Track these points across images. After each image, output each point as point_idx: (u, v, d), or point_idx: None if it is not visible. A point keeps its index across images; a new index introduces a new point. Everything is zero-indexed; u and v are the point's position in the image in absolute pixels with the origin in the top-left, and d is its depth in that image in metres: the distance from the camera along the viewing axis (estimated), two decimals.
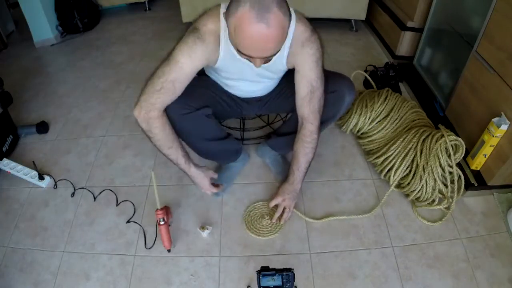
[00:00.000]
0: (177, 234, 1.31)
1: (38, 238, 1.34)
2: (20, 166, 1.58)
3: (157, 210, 1.18)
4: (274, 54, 0.94)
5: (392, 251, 1.23)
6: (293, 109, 1.23)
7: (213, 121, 1.27)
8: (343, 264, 1.20)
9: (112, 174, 1.56)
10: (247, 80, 1.20)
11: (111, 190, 1.48)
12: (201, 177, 1.28)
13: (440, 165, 1.28)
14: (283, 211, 1.31)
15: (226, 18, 0.90)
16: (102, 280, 1.20)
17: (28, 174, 1.54)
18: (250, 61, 0.95)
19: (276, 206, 1.32)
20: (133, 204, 1.43)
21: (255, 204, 1.39)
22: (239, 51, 0.93)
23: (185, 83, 1.07)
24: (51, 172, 1.59)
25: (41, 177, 1.52)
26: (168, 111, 1.12)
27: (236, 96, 1.32)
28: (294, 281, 0.98)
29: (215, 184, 1.36)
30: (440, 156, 1.28)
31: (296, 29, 1.05)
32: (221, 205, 1.40)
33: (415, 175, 1.32)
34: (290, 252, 1.24)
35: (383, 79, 1.89)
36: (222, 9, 0.99)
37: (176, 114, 1.14)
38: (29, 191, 1.52)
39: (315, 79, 1.12)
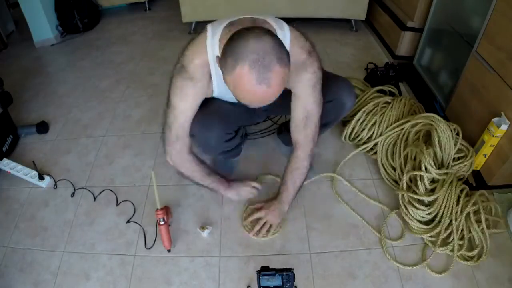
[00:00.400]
0: (177, 234, 1.31)
1: (38, 238, 1.34)
2: (20, 166, 1.58)
3: (157, 210, 1.18)
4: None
5: (392, 251, 1.23)
6: None
7: (243, 136, 1.34)
8: (343, 264, 1.20)
9: (112, 174, 1.56)
10: None
11: (111, 190, 1.48)
12: (240, 186, 1.31)
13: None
14: (263, 226, 1.27)
15: (222, 71, 0.84)
16: (102, 280, 1.20)
17: (28, 174, 1.54)
18: None
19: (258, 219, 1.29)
20: (133, 204, 1.43)
21: (245, 208, 1.38)
22: (239, 101, 0.89)
23: (185, 125, 1.07)
24: (51, 172, 1.59)
25: (41, 177, 1.52)
26: (209, 139, 1.16)
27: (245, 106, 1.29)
28: (294, 281, 0.98)
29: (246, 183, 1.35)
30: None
31: (292, 53, 0.94)
32: (221, 205, 1.40)
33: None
34: (290, 252, 1.24)
35: (383, 79, 1.89)
36: (209, 38, 0.94)
37: (220, 141, 1.19)
38: (29, 191, 1.52)
39: (311, 104, 1.07)
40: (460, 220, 1.21)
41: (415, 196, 1.26)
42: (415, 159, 1.37)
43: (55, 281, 1.21)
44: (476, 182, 1.42)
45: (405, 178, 1.32)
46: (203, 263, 1.23)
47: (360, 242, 1.26)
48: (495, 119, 1.27)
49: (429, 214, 1.25)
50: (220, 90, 1.05)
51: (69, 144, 1.74)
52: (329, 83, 1.15)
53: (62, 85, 2.18)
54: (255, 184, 1.33)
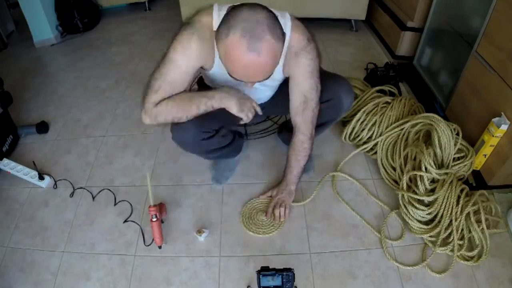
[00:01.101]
0: (177, 234, 1.31)
1: (38, 238, 1.34)
2: (20, 166, 1.58)
3: (149, 206, 1.19)
4: (267, 78, 0.91)
5: (392, 251, 1.23)
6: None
7: (226, 136, 1.23)
8: (343, 264, 1.20)
9: (112, 174, 1.56)
10: (245, 90, 1.13)
11: (111, 190, 1.48)
12: (233, 89, 1.07)
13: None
14: (280, 207, 1.31)
15: (216, 41, 0.86)
16: (102, 280, 1.20)
17: (28, 174, 1.54)
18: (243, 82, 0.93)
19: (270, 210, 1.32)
20: (131, 204, 1.42)
21: (250, 202, 1.39)
22: (230, 74, 0.90)
23: (183, 83, 1.02)
24: (51, 172, 1.59)
25: (41, 177, 1.52)
26: (185, 138, 1.10)
27: None
28: (294, 281, 0.98)
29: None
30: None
31: (291, 38, 1.01)
32: (221, 205, 1.40)
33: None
34: (290, 252, 1.24)
35: (383, 79, 1.89)
36: (215, 13, 0.96)
37: (196, 140, 1.11)
38: (29, 191, 1.52)
39: (309, 90, 1.10)
40: (460, 220, 1.21)
41: (415, 196, 1.26)
42: (415, 159, 1.37)
43: (55, 281, 1.21)
44: (476, 182, 1.42)
45: (405, 178, 1.32)
46: (203, 263, 1.23)
47: (360, 242, 1.26)
48: (495, 119, 1.27)
49: (429, 214, 1.25)
50: (219, 69, 1.02)
51: (69, 144, 1.74)
52: (327, 82, 1.17)
53: (62, 85, 2.18)
54: (255, 104, 1.12)
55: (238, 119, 1.10)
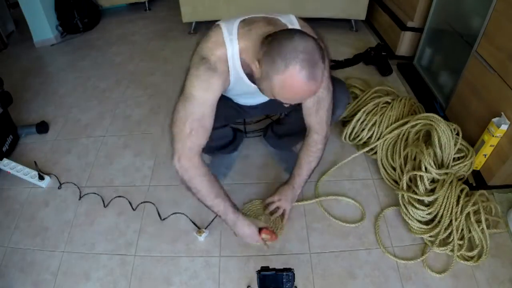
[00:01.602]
0: (177, 234, 1.31)
1: (38, 238, 1.34)
2: (20, 166, 1.58)
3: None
4: None
5: (392, 251, 1.23)
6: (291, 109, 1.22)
7: (227, 132, 1.25)
8: (343, 264, 1.20)
9: (112, 174, 1.56)
10: (251, 95, 1.16)
11: (124, 197, 1.48)
12: (251, 226, 1.13)
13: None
14: (277, 212, 1.28)
15: (268, 71, 0.84)
16: (102, 280, 1.20)
17: (28, 174, 1.54)
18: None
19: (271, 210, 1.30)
20: (130, 202, 1.43)
21: (251, 202, 1.39)
22: (276, 98, 0.89)
23: (211, 116, 1.00)
24: (51, 172, 1.59)
25: (41, 177, 1.52)
26: None
27: (239, 104, 1.28)
28: (294, 281, 0.98)
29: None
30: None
31: None
32: None
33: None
34: (290, 252, 1.24)
35: (376, 58, 2.11)
36: (226, 34, 0.94)
37: None
38: (29, 191, 1.52)
39: (321, 90, 1.08)
40: (460, 220, 1.21)
41: (415, 196, 1.26)
42: (415, 159, 1.37)
43: (55, 281, 1.21)
44: (476, 182, 1.42)
45: (405, 178, 1.32)
46: (203, 263, 1.23)
47: (360, 242, 1.26)
48: (495, 119, 1.27)
49: (429, 214, 1.25)
50: (233, 85, 1.04)
51: (69, 144, 1.74)
52: None
53: (62, 85, 2.18)
54: (263, 237, 1.16)
55: (247, 113, 1.17)
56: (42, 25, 2.58)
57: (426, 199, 1.25)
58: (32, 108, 2.01)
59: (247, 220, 1.13)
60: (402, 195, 1.31)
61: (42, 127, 1.81)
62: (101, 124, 1.85)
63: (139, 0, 3.03)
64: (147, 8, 3.07)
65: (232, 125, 1.41)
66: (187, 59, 1.02)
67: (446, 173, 1.29)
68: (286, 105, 0.93)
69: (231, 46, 0.94)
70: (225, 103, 1.12)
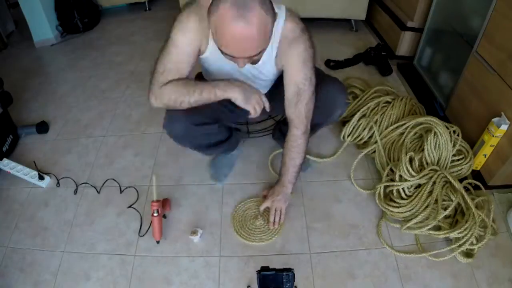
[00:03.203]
0: (177, 234, 1.31)
1: (38, 238, 1.34)
2: (20, 166, 1.58)
3: (152, 201, 1.20)
4: (257, 54, 0.91)
5: (392, 251, 1.23)
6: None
7: (214, 129, 1.23)
8: (343, 264, 1.20)
9: (112, 174, 1.56)
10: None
11: (116, 180, 1.50)
12: (244, 83, 1.06)
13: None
14: (275, 214, 1.28)
15: (208, 17, 0.87)
16: (102, 280, 1.20)
17: (28, 174, 1.54)
18: (234, 62, 0.92)
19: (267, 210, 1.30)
20: (137, 190, 1.43)
21: (244, 202, 1.39)
22: (222, 51, 0.90)
23: (187, 64, 1.02)
24: (51, 172, 1.59)
25: (41, 177, 1.52)
26: (176, 125, 1.11)
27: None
28: (294, 281, 0.98)
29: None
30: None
31: (284, 27, 1.01)
32: (221, 205, 1.40)
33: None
34: (290, 252, 1.24)
35: (376, 58, 2.12)
36: None
37: (186, 125, 1.12)
38: (29, 191, 1.52)
39: (302, 81, 1.07)
40: (459, 220, 1.21)
41: (393, 206, 1.30)
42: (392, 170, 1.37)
43: (55, 281, 1.21)
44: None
45: (381, 186, 1.36)
46: (203, 263, 1.23)
47: (360, 242, 1.26)
48: (495, 119, 1.27)
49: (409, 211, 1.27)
50: (212, 53, 1.03)
51: (69, 144, 1.74)
52: (321, 85, 1.14)
53: (62, 85, 2.18)
54: (264, 98, 1.09)
55: (242, 114, 1.08)
56: (42, 25, 2.58)
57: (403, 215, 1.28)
58: (32, 108, 2.01)
59: (238, 81, 1.07)
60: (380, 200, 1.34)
61: (42, 127, 1.81)
62: (101, 124, 1.85)
63: (139, 0, 3.03)
64: (147, 8, 3.07)
65: (228, 125, 1.38)
66: None
67: (431, 175, 1.29)
68: (239, 63, 0.91)
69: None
70: (217, 103, 1.09)
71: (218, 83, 1.04)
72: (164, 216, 1.32)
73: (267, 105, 1.09)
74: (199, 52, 1.05)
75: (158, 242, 1.26)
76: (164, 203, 1.27)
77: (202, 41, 1.02)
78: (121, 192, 1.47)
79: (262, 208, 1.30)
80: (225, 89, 1.03)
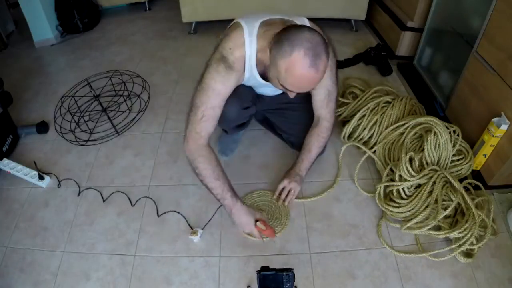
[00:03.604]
0: (177, 234, 1.31)
1: (38, 238, 1.34)
2: (20, 166, 1.58)
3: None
4: None
5: (392, 251, 1.23)
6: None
7: (252, 111, 1.42)
8: (343, 264, 1.20)
9: (112, 174, 1.56)
10: (261, 86, 1.32)
11: (122, 192, 1.48)
12: (248, 215, 1.22)
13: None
14: (288, 194, 1.35)
15: (275, 55, 0.96)
16: (102, 280, 1.20)
17: (28, 174, 1.54)
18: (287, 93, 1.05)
19: (280, 193, 1.37)
20: (130, 200, 1.43)
21: (252, 193, 1.41)
22: (281, 85, 1.01)
23: (221, 107, 1.14)
24: (51, 172, 1.59)
25: (41, 177, 1.52)
26: (231, 109, 1.22)
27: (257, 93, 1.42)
28: (294, 281, 0.98)
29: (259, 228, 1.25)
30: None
31: None
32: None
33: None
34: (290, 252, 1.24)
35: (376, 58, 2.13)
36: (247, 35, 1.06)
37: (238, 113, 1.31)
38: (29, 191, 1.52)
39: (331, 85, 1.24)
40: (458, 220, 1.21)
41: (392, 206, 1.30)
42: (392, 170, 1.37)
43: (55, 281, 1.21)
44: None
45: (380, 187, 1.36)
46: (203, 263, 1.23)
47: (360, 242, 1.26)
48: (495, 119, 1.27)
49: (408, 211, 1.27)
50: (246, 81, 1.19)
51: (69, 144, 1.74)
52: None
53: (62, 85, 2.18)
54: (259, 228, 1.23)
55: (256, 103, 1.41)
56: (42, 25, 2.58)
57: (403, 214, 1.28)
58: (32, 108, 2.00)
59: (245, 208, 1.22)
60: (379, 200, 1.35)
61: (42, 127, 1.81)
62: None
63: (139, 0, 3.03)
64: (147, 8, 3.07)
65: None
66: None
67: (431, 176, 1.29)
68: (291, 95, 1.05)
69: (249, 48, 1.07)
70: (250, 88, 1.34)
71: (236, 204, 1.20)
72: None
73: (257, 235, 1.24)
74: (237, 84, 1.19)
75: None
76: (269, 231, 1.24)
77: (239, 82, 1.16)
78: (132, 205, 1.43)
79: (280, 186, 1.35)
80: (232, 209, 1.21)
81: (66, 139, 1.75)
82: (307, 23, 1.14)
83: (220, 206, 1.31)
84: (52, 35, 2.64)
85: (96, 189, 1.49)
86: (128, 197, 1.45)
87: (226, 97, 1.13)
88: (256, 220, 1.23)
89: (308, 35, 0.93)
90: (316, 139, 1.35)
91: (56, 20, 2.68)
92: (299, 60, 0.92)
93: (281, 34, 0.96)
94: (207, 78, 1.10)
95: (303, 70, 0.93)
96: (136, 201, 1.44)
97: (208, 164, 1.15)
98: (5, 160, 1.60)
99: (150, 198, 1.44)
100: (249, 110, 1.38)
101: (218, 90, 1.10)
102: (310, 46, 0.91)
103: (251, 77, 1.15)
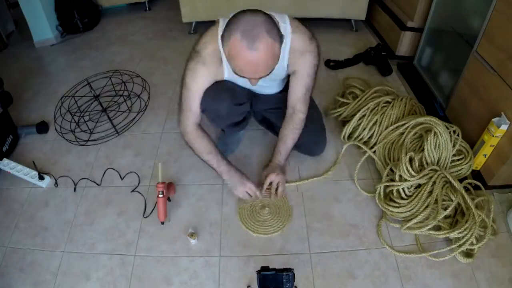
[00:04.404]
0: (177, 234, 1.31)
1: (38, 238, 1.34)
2: (20, 166, 1.58)
3: (157, 183, 1.25)
4: (268, 74, 1.01)
5: (392, 251, 1.23)
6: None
7: (247, 108, 1.44)
8: (343, 264, 1.20)
9: (112, 174, 1.56)
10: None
11: (114, 169, 1.52)
12: (242, 178, 1.33)
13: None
14: (278, 188, 1.38)
15: (222, 45, 0.99)
16: (102, 280, 1.20)
17: (28, 174, 1.54)
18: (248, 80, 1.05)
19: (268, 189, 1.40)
20: (138, 176, 1.43)
21: (245, 201, 1.40)
22: (237, 74, 1.01)
23: (197, 101, 1.22)
24: (51, 172, 1.59)
25: (41, 177, 1.52)
26: (222, 105, 1.27)
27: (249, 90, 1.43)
28: (294, 281, 0.98)
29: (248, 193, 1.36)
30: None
31: (292, 40, 1.13)
32: (221, 205, 1.40)
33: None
34: (290, 252, 1.24)
35: (376, 58, 2.13)
36: (220, 29, 1.06)
37: (230, 110, 1.32)
38: (29, 191, 1.52)
39: (310, 81, 1.25)
40: (458, 220, 1.21)
41: (392, 206, 1.30)
42: (392, 170, 1.37)
43: (55, 281, 1.21)
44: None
45: (380, 186, 1.36)
46: (203, 263, 1.23)
47: (360, 242, 1.26)
48: (495, 119, 1.27)
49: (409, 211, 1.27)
50: (231, 76, 1.20)
51: (69, 144, 1.74)
52: (306, 129, 1.37)
53: (62, 85, 2.18)
54: (252, 187, 1.34)
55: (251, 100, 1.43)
56: (42, 25, 2.58)
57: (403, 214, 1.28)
58: (32, 108, 2.01)
59: (239, 172, 1.34)
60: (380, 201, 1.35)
61: (42, 127, 1.81)
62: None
63: (139, 0, 3.03)
64: (147, 8, 3.07)
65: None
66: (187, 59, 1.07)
67: (430, 176, 1.29)
68: (253, 82, 1.04)
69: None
70: (241, 87, 1.34)
71: (230, 169, 1.33)
72: (169, 199, 1.36)
73: (258, 194, 1.34)
74: (217, 79, 1.23)
75: (162, 223, 1.31)
76: (169, 186, 1.32)
77: (215, 77, 1.20)
78: (122, 179, 1.51)
79: (267, 181, 1.36)
80: (224, 174, 1.33)
81: (66, 139, 1.76)
82: (287, 21, 1.11)
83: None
84: (52, 35, 2.64)
85: (92, 180, 1.53)
86: (138, 175, 1.47)
87: (199, 93, 1.20)
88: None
89: (249, 17, 0.92)
90: (291, 131, 1.35)
91: (56, 20, 2.68)
92: (237, 44, 0.92)
93: (228, 21, 0.97)
94: (185, 77, 1.18)
95: (242, 52, 0.92)
96: (136, 200, 1.44)
97: (200, 143, 1.28)
98: (5, 160, 1.60)
99: (141, 194, 1.45)
100: (242, 107, 1.38)
101: (193, 88, 1.18)
102: (247, 28, 0.90)
103: (231, 72, 1.11)
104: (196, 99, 1.21)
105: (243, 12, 0.96)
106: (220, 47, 1.07)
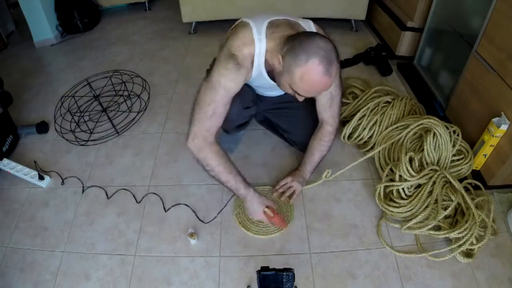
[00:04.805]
0: (177, 234, 1.31)
1: (38, 238, 1.34)
2: (20, 166, 1.58)
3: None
4: None
5: (392, 251, 1.23)
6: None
7: (252, 112, 1.43)
8: (343, 264, 1.20)
9: (112, 174, 1.56)
10: (266, 87, 1.34)
11: (127, 189, 1.49)
12: (258, 203, 1.25)
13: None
14: (287, 190, 1.37)
15: (290, 63, 0.98)
16: (102, 280, 1.20)
17: (28, 174, 1.54)
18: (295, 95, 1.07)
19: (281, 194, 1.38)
20: (134, 197, 1.43)
21: (258, 186, 1.41)
22: (293, 90, 1.04)
23: (229, 104, 1.15)
24: (52, 171, 1.59)
25: (41, 177, 1.52)
26: (232, 109, 1.18)
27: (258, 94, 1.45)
28: (294, 281, 0.98)
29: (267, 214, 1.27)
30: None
31: None
32: (221, 205, 1.40)
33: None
34: (290, 252, 1.24)
35: (376, 58, 2.13)
36: (256, 34, 1.07)
37: (239, 113, 1.31)
38: (29, 191, 1.52)
39: (334, 88, 1.24)
40: (458, 220, 1.21)
41: (392, 206, 1.30)
42: (392, 170, 1.38)
43: (55, 281, 1.21)
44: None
45: (380, 186, 1.35)
46: (203, 263, 1.23)
47: (360, 242, 1.26)
48: (495, 119, 1.27)
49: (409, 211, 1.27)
50: (254, 77, 1.18)
51: (69, 144, 1.74)
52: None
53: (62, 85, 2.18)
54: (268, 214, 1.25)
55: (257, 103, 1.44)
56: (42, 25, 2.58)
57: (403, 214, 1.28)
58: (32, 108, 2.00)
59: (257, 195, 1.25)
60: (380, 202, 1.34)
61: (42, 127, 1.81)
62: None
63: (139, 0, 3.03)
64: (147, 8, 3.07)
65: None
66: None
67: (430, 176, 1.29)
68: (300, 98, 1.07)
69: (259, 45, 1.08)
70: (251, 89, 1.37)
71: (249, 192, 1.23)
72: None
73: (266, 221, 1.27)
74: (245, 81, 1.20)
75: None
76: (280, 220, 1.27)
77: (246, 78, 1.15)
78: (138, 202, 1.44)
79: (282, 182, 1.37)
80: (250, 201, 1.24)
81: (66, 139, 1.76)
82: (312, 26, 1.16)
83: (221, 208, 1.33)
84: (52, 35, 2.64)
85: (100, 187, 1.50)
86: (134, 195, 1.46)
87: (234, 94, 1.14)
88: (267, 207, 1.25)
89: (322, 43, 0.96)
90: (318, 143, 1.36)
91: (56, 20, 2.68)
92: (315, 68, 0.95)
93: (294, 42, 0.98)
94: (216, 76, 1.10)
95: (318, 77, 0.96)
96: (142, 199, 1.44)
97: (219, 161, 1.16)
98: (5, 160, 1.60)
99: (156, 194, 1.45)
100: (249, 110, 1.38)
101: (227, 87, 1.11)
102: (324, 54, 0.95)
103: (259, 76, 1.16)
104: (226, 102, 1.13)
105: (312, 34, 1.00)
106: (256, 53, 1.08)
